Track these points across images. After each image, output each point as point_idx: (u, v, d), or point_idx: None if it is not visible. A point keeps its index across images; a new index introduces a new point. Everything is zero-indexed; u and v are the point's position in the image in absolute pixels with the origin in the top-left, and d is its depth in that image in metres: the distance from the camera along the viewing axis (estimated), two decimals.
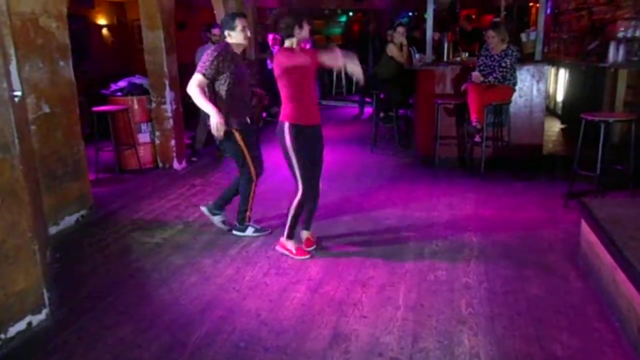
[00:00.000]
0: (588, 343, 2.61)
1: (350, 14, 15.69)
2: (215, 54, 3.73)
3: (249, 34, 3.85)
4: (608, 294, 2.97)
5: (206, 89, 3.78)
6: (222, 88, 3.81)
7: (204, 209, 4.28)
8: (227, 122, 3.79)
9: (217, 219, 4.24)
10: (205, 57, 3.73)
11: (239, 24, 3.80)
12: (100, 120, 5.98)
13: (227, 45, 3.84)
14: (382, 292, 3.19)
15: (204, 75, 3.70)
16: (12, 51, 3.48)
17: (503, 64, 5.32)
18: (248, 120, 4.01)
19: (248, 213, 4.15)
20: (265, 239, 4.09)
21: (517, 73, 5.50)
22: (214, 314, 3.00)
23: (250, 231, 4.18)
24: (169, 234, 4.27)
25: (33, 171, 3.69)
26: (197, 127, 6.83)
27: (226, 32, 3.85)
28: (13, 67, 3.38)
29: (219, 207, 4.24)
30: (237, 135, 3.90)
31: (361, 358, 2.55)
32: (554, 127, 7.49)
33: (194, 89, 3.69)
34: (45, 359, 2.63)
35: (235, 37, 3.82)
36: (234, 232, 4.19)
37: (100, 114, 5.97)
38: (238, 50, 3.91)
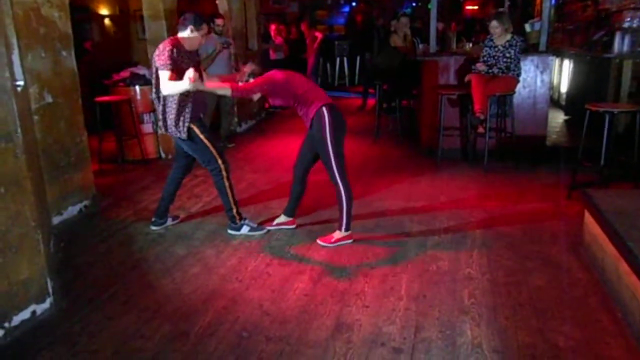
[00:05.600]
0: (591, 334, 2.61)
1: (354, 4, 15.59)
2: (169, 47, 3.58)
3: (203, 42, 3.90)
4: (611, 285, 2.96)
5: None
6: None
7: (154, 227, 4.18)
8: (181, 120, 3.72)
9: (169, 223, 4.21)
10: (162, 54, 3.58)
11: (205, 28, 3.79)
12: (103, 110, 5.97)
13: (178, 40, 3.69)
14: (384, 283, 3.20)
15: (170, 70, 3.55)
16: (14, 40, 3.48)
17: (507, 55, 5.27)
18: (202, 116, 3.91)
19: (235, 210, 3.96)
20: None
21: (522, 64, 5.46)
22: (216, 304, 3.01)
23: (245, 230, 3.99)
24: (171, 224, 4.27)
25: (36, 161, 3.69)
26: None
27: (189, 28, 3.69)
28: (15, 57, 3.38)
29: (161, 215, 4.18)
30: (196, 130, 3.78)
31: (364, 348, 2.56)
32: (557, 118, 7.44)
33: (169, 84, 3.55)
34: (49, 347, 2.65)
35: (193, 37, 3.73)
36: (229, 230, 4.02)
37: (103, 105, 5.96)
38: (189, 48, 3.76)
